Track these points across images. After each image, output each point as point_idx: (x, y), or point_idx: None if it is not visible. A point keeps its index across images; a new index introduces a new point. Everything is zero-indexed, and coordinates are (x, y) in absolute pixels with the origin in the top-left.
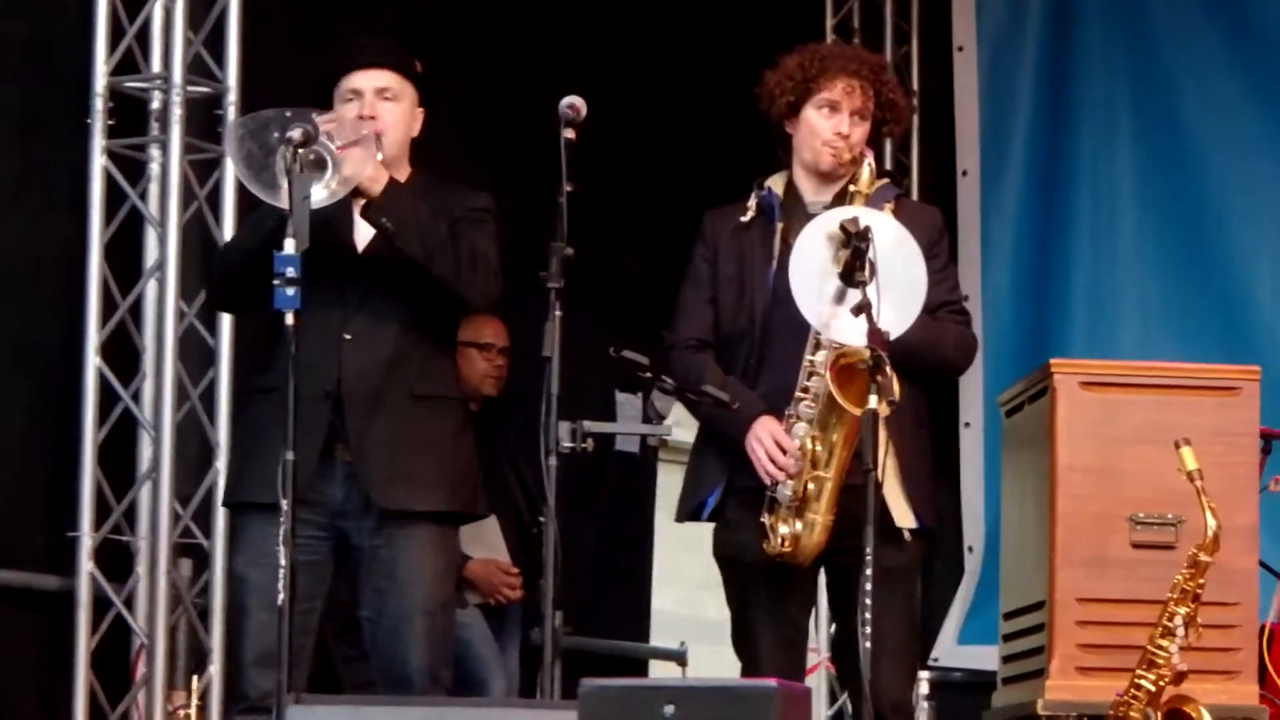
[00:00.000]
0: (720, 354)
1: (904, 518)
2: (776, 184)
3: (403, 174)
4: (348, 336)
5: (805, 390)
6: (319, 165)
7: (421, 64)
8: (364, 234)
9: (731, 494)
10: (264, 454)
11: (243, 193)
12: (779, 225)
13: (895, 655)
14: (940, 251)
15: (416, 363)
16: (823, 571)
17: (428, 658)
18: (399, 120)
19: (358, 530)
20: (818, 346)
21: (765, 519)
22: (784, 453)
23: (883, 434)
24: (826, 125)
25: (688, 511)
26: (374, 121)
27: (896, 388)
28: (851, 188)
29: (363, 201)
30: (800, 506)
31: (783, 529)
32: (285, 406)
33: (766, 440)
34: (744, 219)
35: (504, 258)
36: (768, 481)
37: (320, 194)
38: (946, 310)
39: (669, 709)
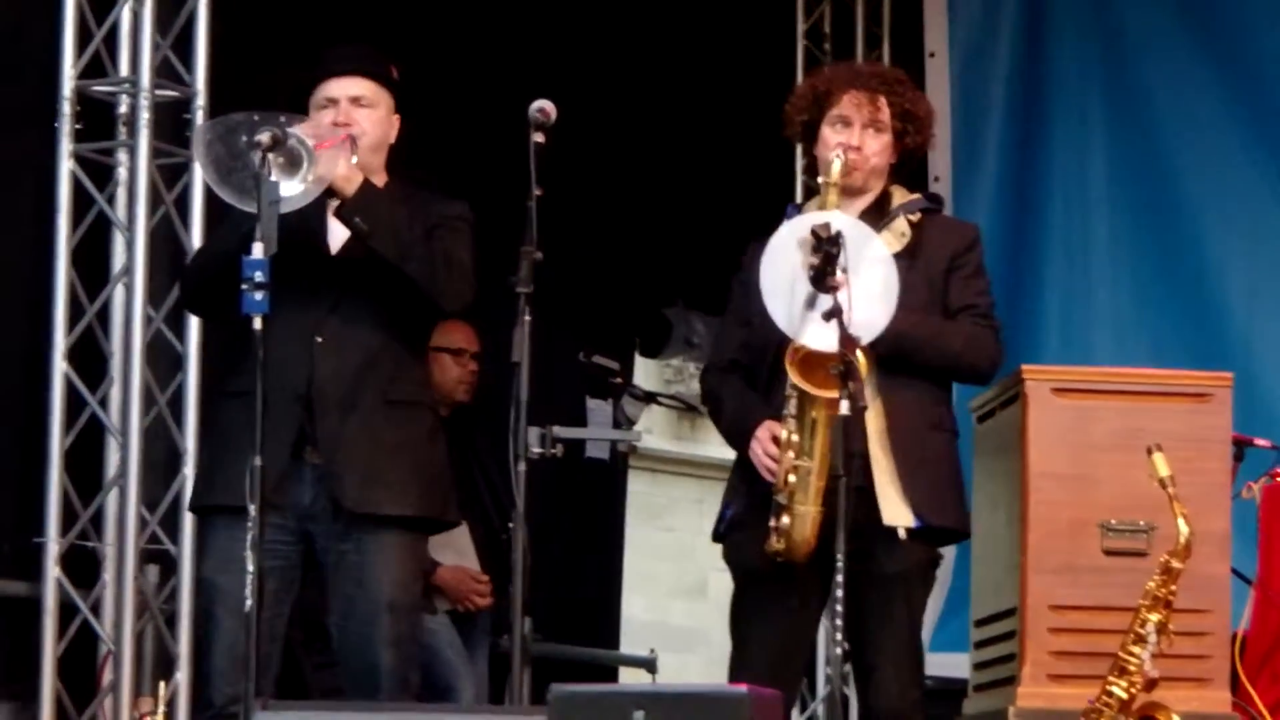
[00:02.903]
0: (751, 374)
1: (897, 516)
2: (812, 207)
3: (379, 181)
4: (320, 340)
5: (791, 389)
6: (293, 162)
7: (398, 70)
8: (337, 236)
9: (749, 506)
10: (232, 458)
11: (211, 197)
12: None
13: (891, 663)
14: (969, 261)
15: (389, 367)
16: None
17: (395, 661)
18: (374, 126)
19: (326, 534)
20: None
21: (772, 522)
22: (778, 445)
23: (877, 429)
24: (837, 139)
25: (714, 531)
26: (348, 127)
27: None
28: (821, 178)
29: (336, 202)
30: (789, 498)
31: (779, 525)
32: (252, 410)
33: (764, 438)
34: None
35: (474, 263)
36: (767, 477)
37: (295, 189)
38: (970, 314)
39: (639, 715)
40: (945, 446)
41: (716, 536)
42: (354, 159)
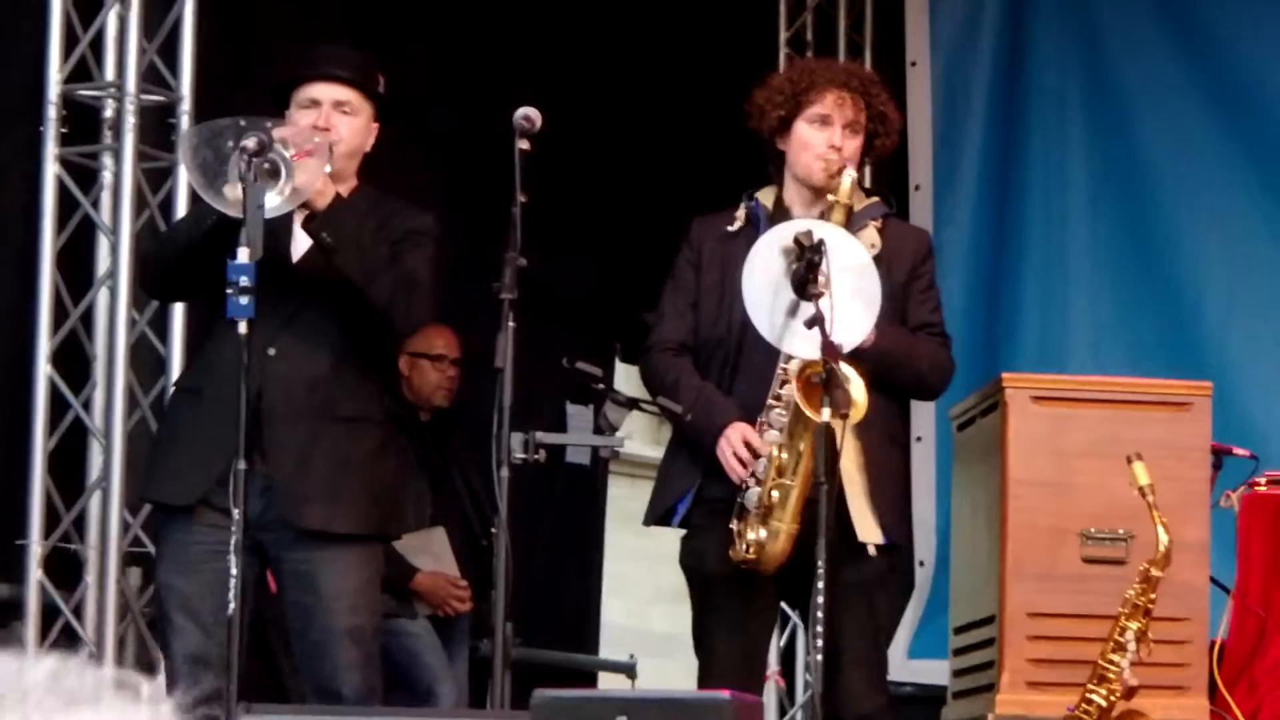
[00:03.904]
0: (698, 359)
1: (868, 533)
2: (766, 198)
3: (349, 187)
4: (272, 352)
5: (778, 398)
6: (273, 173)
7: (384, 78)
8: (300, 246)
9: (700, 503)
10: (180, 455)
11: (195, 201)
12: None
13: (857, 667)
14: (925, 273)
15: (342, 383)
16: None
17: (357, 676)
18: (353, 134)
19: (276, 543)
20: (792, 355)
21: (734, 525)
22: (755, 455)
23: (851, 446)
24: (819, 138)
25: (655, 515)
26: (327, 133)
27: (861, 399)
28: (830, 198)
29: (305, 213)
30: (765, 513)
31: (749, 535)
32: (208, 411)
33: (737, 443)
34: (731, 228)
35: (457, 268)
36: (736, 482)
37: (274, 201)
38: (926, 331)
39: (621, 719)
40: (901, 460)
41: (662, 522)
42: (328, 167)
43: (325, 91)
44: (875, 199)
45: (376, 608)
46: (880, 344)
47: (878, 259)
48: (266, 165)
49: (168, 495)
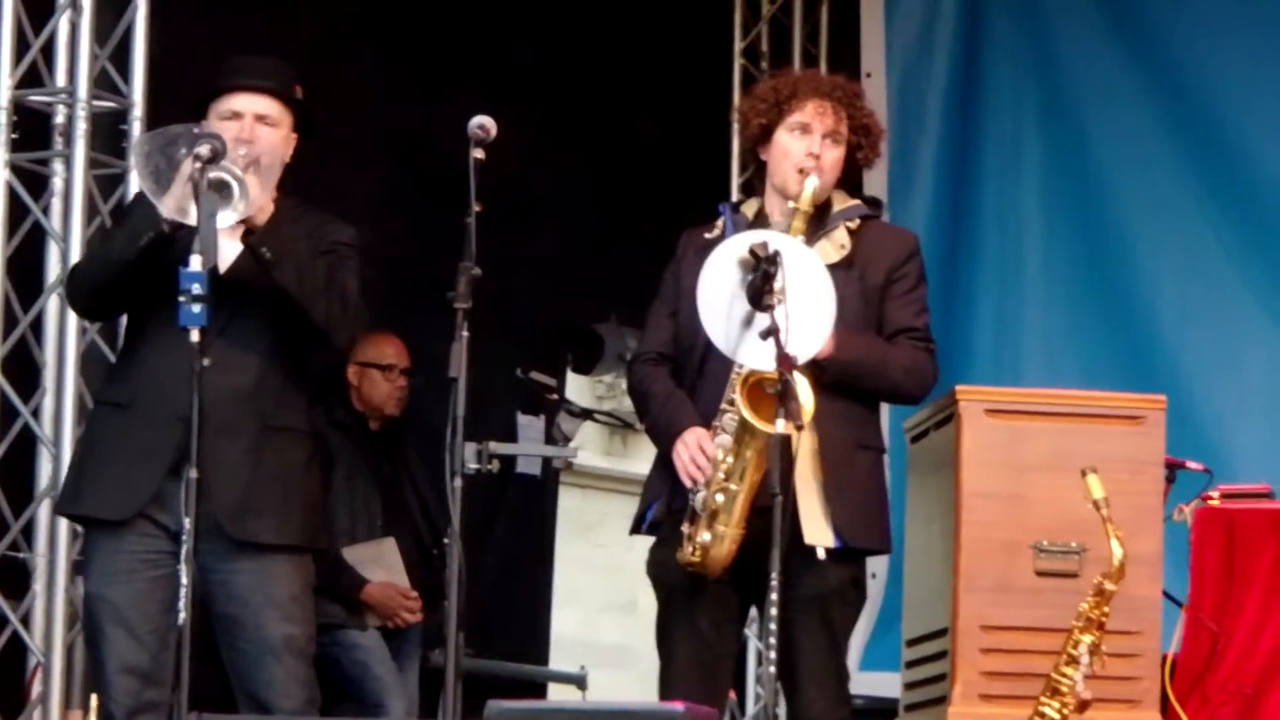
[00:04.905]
0: (676, 365)
1: (816, 535)
2: (749, 209)
3: (270, 198)
4: (206, 362)
5: (731, 403)
6: (223, 188)
7: (303, 89)
8: (226, 256)
9: (669, 511)
10: (105, 469)
11: (124, 216)
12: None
13: (815, 683)
14: (906, 274)
15: (272, 394)
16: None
17: (294, 687)
18: (275, 146)
19: (207, 553)
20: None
21: (685, 528)
22: (706, 459)
23: (810, 450)
24: (798, 147)
25: (634, 524)
26: (253, 145)
27: (809, 411)
28: (792, 204)
29: (241, 227)
30: (711, 517)
31: (697, 538)
32: (139, 423)
33: (692, 446)
34: (709, 236)
35: (409, 277)
36: (687, 484)
37: (229, 218)
38: (907, 336)
39: None
40: (872, 465)
41: (635, 530)
42: (270, 181)
43: (247, 103)
44: (857, 201)
45: (311, 617)
46: (841, 356)
47: (848, 260)
48: (219, 182)
49: (102, 510)
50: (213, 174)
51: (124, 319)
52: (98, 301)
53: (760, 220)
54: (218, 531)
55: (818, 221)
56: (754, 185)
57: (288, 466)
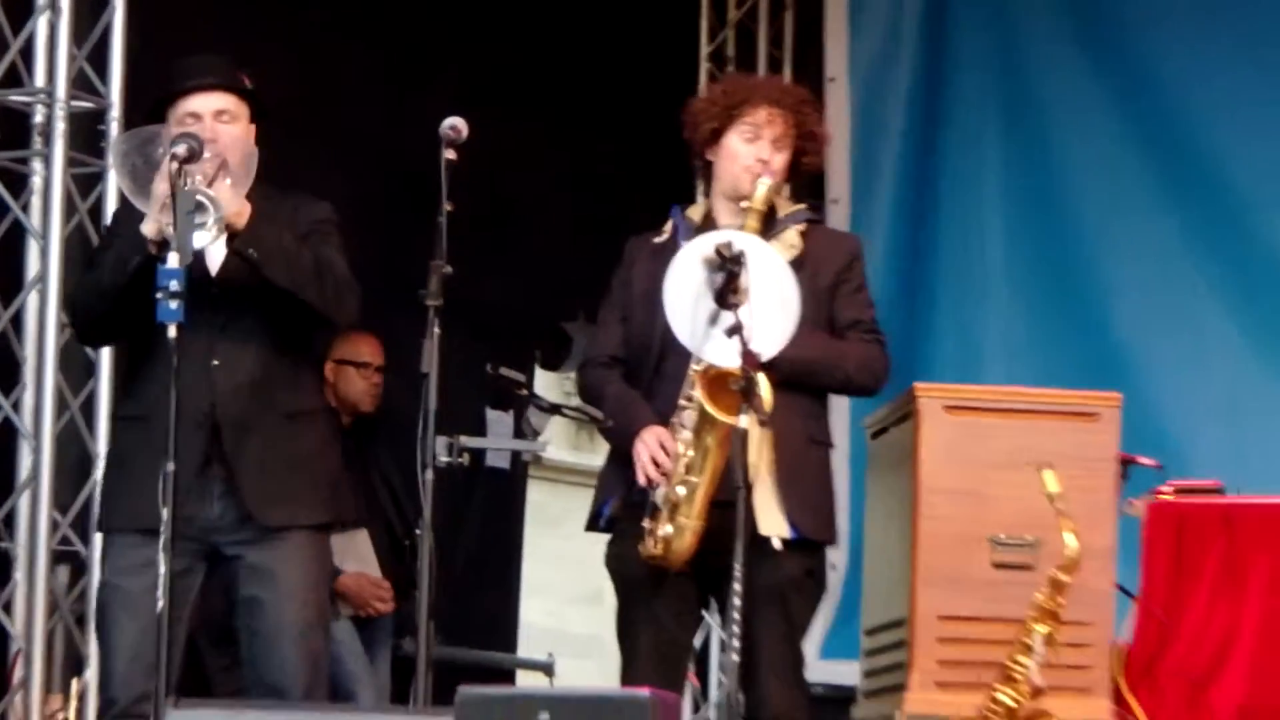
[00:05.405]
0: (628, 367)
1: (772, 526)
2: (695, 212)
3: (246, 190)
4: (216, 362)
5: (689, 399)
6: (199, 210)
7: (251, 79)
8: (216, 258)
9: (626, 506)
10: (134, 483)
11: (122, 201)
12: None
13: (772, 669)
14: (853, 275)
15: (284, 381)
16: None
17: (304, 674)
18: (238, 139)
19: (232, 543)
20: (712, 363)
21: (646, 523)
22: (668, 455)
23: (764, 446)
24: (747, 151)
25: (590, 521)
26: (215, 144)
27: (769, 404)
28: (744, 204)
29: (226, 234)
30: (673, 510)
31: (659, 531)
32: (156, 432)
33: (651, 444)
34: (658, 240)
35: (380, 275)
36: (643, 483)
37: (205, 238)
38: (858, 330)
39: (544, 716)
40: (822, 460)
41: (591, 527)
42: (228, 180)
43: (202, 103)
44: (801, 206)
45: (325, 607)
46: (792, 353)
47: (799, 261)
48: (191, 205)
49: (142, 522)
50: (190, 196)
51: None
52: (98, 330)
53: (708, 223)
54: (248, 522)
55: (765, 225)
56: (700, 190)
57: (307, 449)
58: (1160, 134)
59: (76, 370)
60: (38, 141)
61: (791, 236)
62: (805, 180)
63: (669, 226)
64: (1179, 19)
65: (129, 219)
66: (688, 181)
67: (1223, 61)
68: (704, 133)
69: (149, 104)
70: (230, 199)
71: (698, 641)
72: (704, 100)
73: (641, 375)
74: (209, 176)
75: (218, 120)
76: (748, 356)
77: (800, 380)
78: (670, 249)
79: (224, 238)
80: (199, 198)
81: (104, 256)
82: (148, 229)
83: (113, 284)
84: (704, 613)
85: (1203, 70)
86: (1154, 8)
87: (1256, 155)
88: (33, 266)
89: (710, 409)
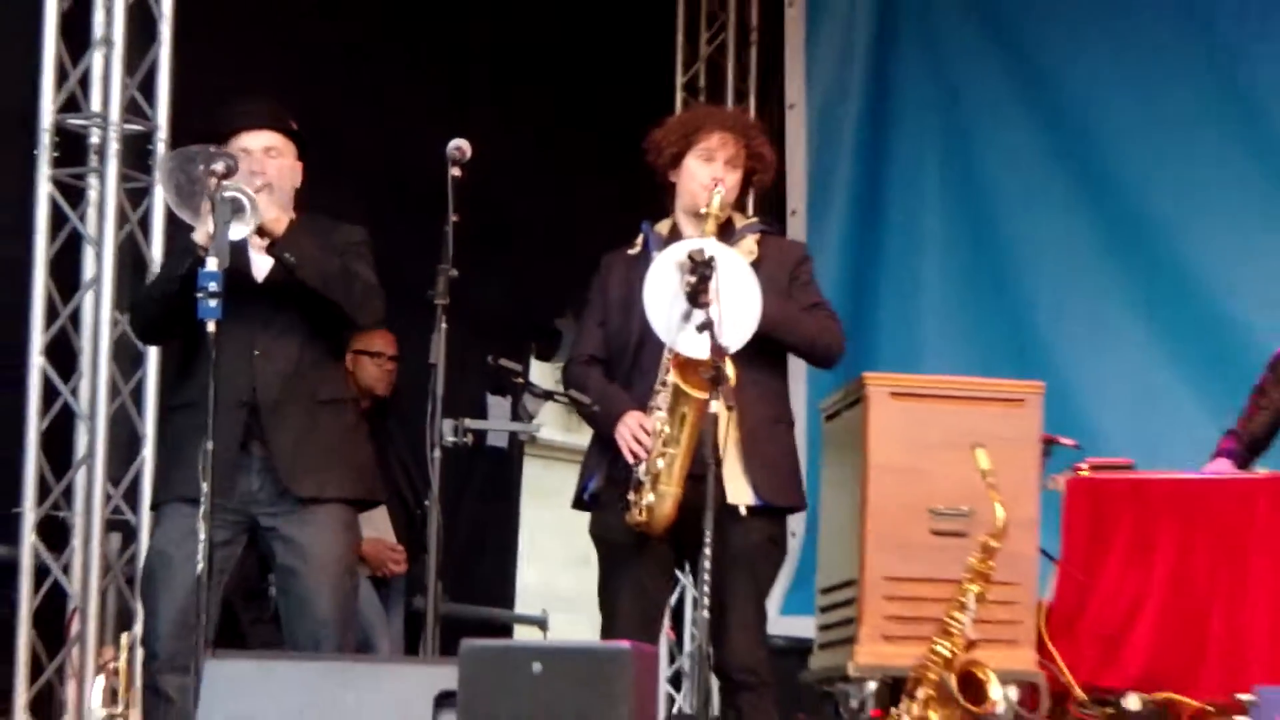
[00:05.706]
0: (609, 366)
1: (739, 494)
2: (663, 227)
3: (289, 218)
4: (257, 352)
5: (663, 384)
6: (238, 209)
7: (298, 124)
8: (261, 266)
9: (608, 482)
10: (185, 460)
11: (170, 217)
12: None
13: (740, 626)
14: (803, 273)
15: (316, 372)
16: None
17: (335, 634)
18: (284, 173)
19: (270, 515)
20: (686, 355)
21: (631, 495)
22: (648, 434)
23: (731, 425)
24: (704, 170)
25: (575, 499)
26: (263, 175)
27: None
28: (703, 210)
29: (267, 241)
30: (654, 480)
31: (642, 501)
32: (204, 416)
33: (633, 426)
34: (631, 252)
35: (393, 278)
36: (630, 460)
37: (241, 231)
38: (817, 310)
39: (537, 666)
40: (785, 436)
41: (578, 504)
42: (270, 196)
43: (253, 140)
44: (755, 218)
45: (355, 572)
46: (767, 311)
47: (756, 264)
48: (234, 202)
49: (190, 490)
50: (229, 193)
51: None
52: (154, 330)
53: (674, 235)
54: (285, 495)
55: (724, 236)
56: (666, 207)
57: (339, 431)
58: (1079, 158)
59: (127, 361)
60: (93, 160)
61: (749, 244)
62: (767, 194)
63: (640, 240)
64: (1096, 55)
65: (181, 236)
66: (660, 200)
67: (1136, 95)
68: (666, 157)
69: (203, 137)
70: (268, 205)
71: (673, 600)
72: (664, 129)
73: (619, 370)
74: (254, 188)
75: (266, 155)
76: (716, 349)
77: (769, 335)
78: (642, 259)
79: (265, 248)
80: (235, 194)
81: (164, 269)
82: (198, 236)
83: (163, 292)
84: (678, 573)
85: (1118, 102)
86: (1074, 44)
87: (1164, 177)
88: (89, 270)
89: (684, 386)
